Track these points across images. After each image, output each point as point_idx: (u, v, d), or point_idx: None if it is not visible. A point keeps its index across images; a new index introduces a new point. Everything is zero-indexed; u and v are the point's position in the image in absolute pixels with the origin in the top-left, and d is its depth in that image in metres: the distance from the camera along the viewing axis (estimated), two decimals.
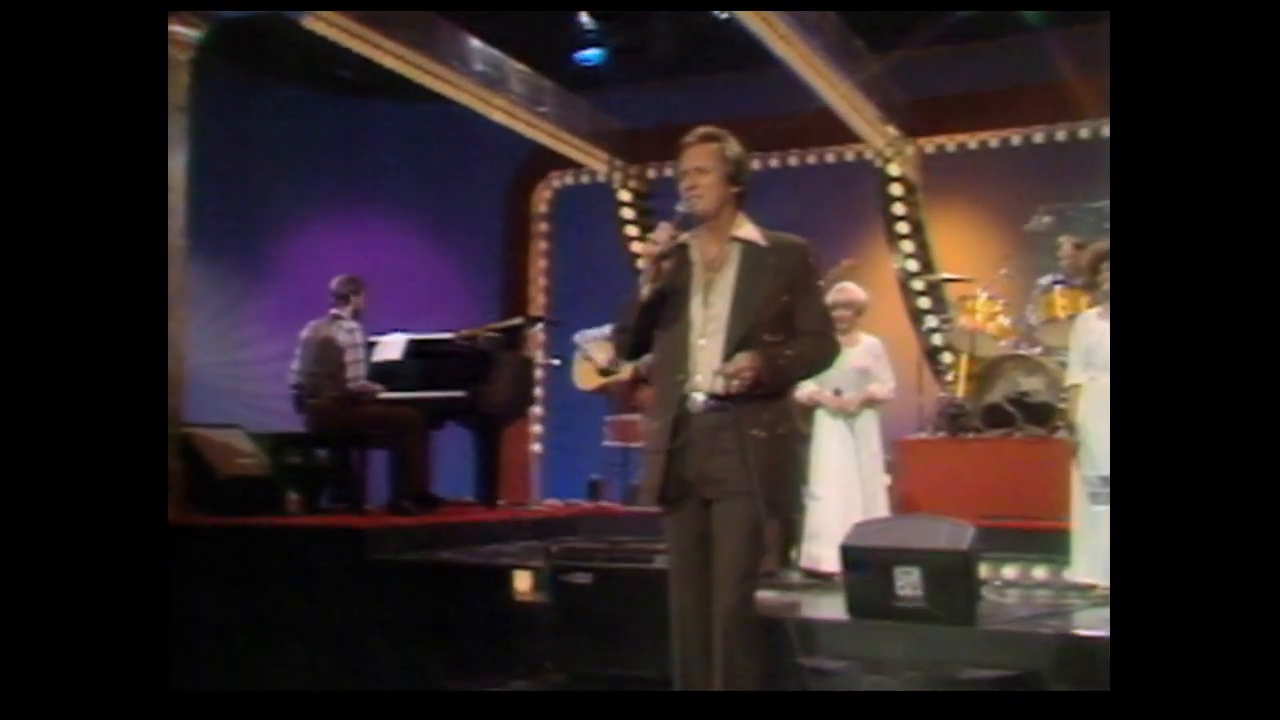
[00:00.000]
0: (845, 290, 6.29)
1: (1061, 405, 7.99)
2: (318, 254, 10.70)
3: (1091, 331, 6.12)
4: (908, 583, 4.88)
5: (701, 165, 3.24)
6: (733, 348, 3.13)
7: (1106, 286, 6.08)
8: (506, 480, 8.13)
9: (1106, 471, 5.77)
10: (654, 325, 3.24)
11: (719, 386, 3.12)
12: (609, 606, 4.73)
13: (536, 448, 10.64)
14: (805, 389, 5.94)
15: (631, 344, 3.32)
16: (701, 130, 3.33)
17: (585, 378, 9.00)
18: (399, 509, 6.87)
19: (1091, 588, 5.89)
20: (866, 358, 6.26)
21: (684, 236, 3.24)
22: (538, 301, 11.19)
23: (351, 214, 11.43)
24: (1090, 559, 5.95)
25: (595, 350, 9.00)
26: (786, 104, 9.53)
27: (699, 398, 3.14)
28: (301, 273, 10.42)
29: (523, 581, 5.48)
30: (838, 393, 6.12)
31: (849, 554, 4.90)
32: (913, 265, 10.05)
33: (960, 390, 8.74)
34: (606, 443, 8.63)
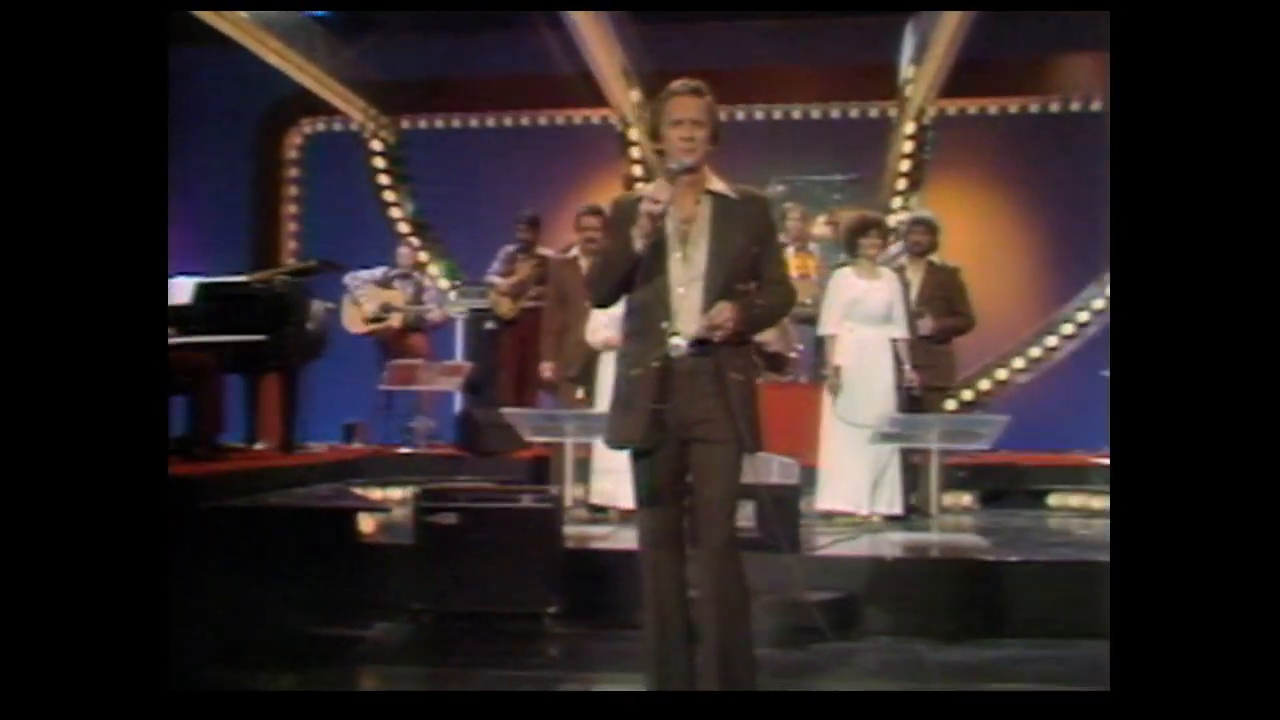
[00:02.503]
0: None
1: (792, 355, 8.40)
2: None
3: (852, 288, 6.45)
4: (742, 515, 5.00)
5: (698, 118, 3.10)
6: (713, 297, 3.05)
7: (869, 252, 6.45)
8: (264, 423, 7.58)
9: (863, 414, 6.15)
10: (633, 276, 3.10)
11: (703, 334, 3.04)
12: (476, 545, 4.58)
13: None
14: (600, 334, 5.87)
15: (612, 295, 3.18)
16: (690, 83, 3.17)
17: (354, 321, 8.52)
18: (194, 455, 6.26)
19: (843, 514, 6.28)
20: None
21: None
22: (288, 248, 10.46)
23: None
24: (844, 488, 6.34)
25: (365, 297, 8.54)
26: (536, 65, 9.41)
27: (682, 343, 3.06)
28: None
29: (370, 524, 5.17)
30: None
31: None
32: None
33: None
34: (383, 386, 8.22)
